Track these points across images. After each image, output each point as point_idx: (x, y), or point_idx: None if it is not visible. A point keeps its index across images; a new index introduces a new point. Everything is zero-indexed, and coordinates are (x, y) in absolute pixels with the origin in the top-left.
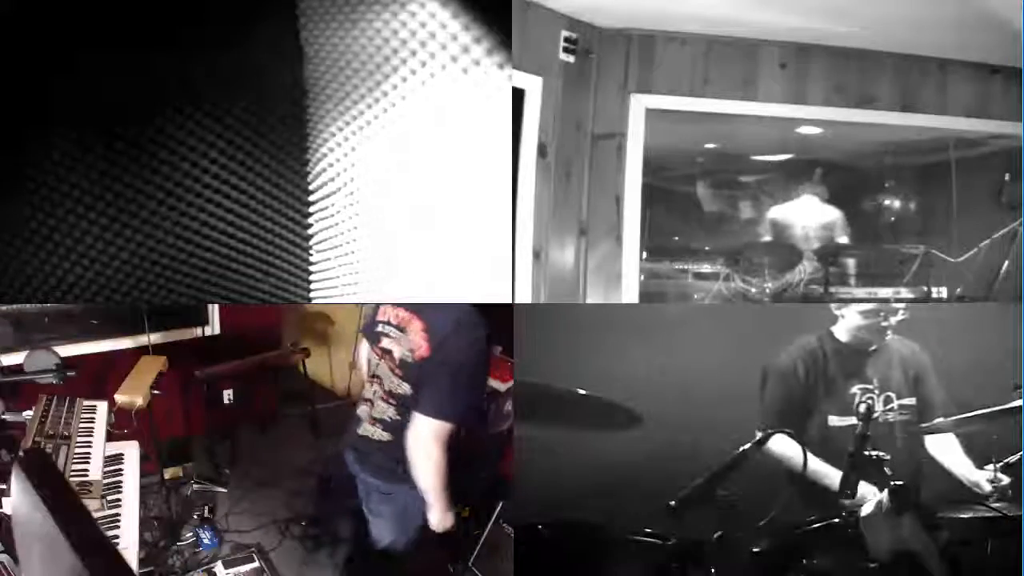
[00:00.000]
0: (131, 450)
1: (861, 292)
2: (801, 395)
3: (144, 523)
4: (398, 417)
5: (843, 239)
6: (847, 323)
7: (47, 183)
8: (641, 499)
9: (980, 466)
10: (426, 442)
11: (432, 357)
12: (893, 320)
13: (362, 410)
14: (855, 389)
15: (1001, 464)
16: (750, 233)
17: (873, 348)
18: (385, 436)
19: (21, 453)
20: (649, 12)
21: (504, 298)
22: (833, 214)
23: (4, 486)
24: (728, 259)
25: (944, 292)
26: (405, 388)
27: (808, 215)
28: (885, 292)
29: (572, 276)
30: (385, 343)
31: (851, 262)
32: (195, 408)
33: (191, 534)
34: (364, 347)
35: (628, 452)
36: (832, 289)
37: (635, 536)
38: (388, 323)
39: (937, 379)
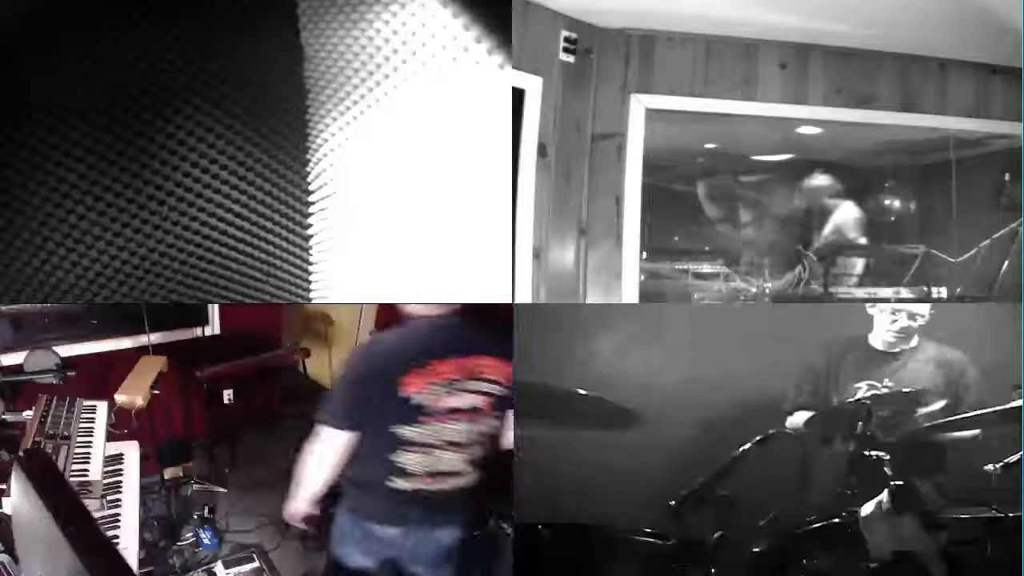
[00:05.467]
0: (131, 450)
1: (861, 292)
2: (820, 386)
3: (144, 523)
4: (482, 453)
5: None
6: (876, 324)
7: (47, 183)
8: (641, 499)
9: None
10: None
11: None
12: (917, 323)
13: (428, 485)
14: (860, 385)
15: (1001, 464)
16: (750, 233)
17: (899, 351)
18: (471, 478)
19: (21, 453)
20: (649, 12)
21: (504, 298)
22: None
23: (4, 486)
24: (728, 259)
25: (944, 292)
26: (495, 421)
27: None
28: (885, 292)
29: (572, 276)
30: (470, 401)
31: (851, 262)
32: (195, 408)
33: (191, 534)
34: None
35: (628, 452)
36: (832, 289)
37: (635, 536)
38: (461, 380)
39: (979, 396)
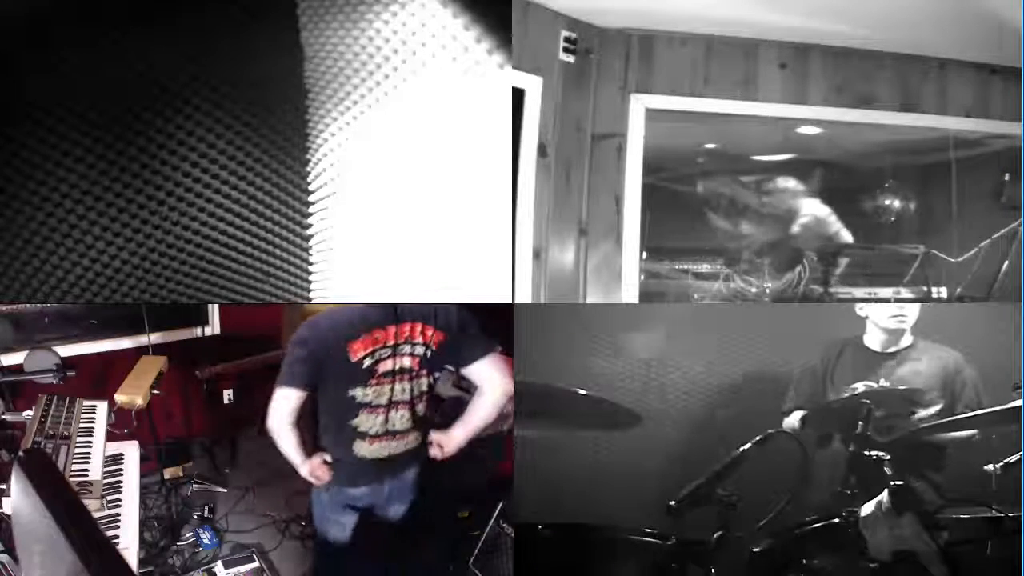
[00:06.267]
0: (131, 450)
1: (861, 292)
2: (817, 387)
3: (144, 523)
4: (424, 414)
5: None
6: (868, 325)
7: (47, 183)
8: (641, 499)
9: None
10: (502, 374)
11: (450, 331)
12: (908, 322)
13: (389, 444)
14: (858, 386)
15: (1000, 464)
16: (749, 232)
17: (894, 351)
18: (422, 431)
19: (21, 453)
20: (649, 12)
21: (504, 298)
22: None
23: (4, 486)
24: (728, 259)
25: (944, 292)
26: (427, 381)
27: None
28: (885, 292)
29: (572, 276)
30: (405, 363)
31: (851, 262)
32: (195, 408)
33: (191, 534)
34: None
35: (628, 452)
36: (832, 289)
37: (635, 536)
38: (397, 344)
39: (976, 393)
